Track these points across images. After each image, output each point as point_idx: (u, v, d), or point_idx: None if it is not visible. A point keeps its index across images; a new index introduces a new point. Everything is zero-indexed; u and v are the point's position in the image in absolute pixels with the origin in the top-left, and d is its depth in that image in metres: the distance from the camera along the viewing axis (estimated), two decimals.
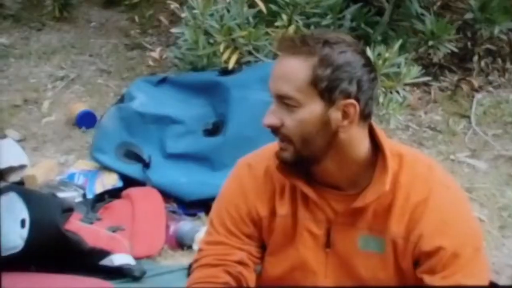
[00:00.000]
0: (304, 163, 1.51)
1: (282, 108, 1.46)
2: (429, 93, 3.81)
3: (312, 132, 1.46)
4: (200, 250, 1.67)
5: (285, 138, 1.48)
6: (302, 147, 1.47)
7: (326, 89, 1.44)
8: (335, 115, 1.46)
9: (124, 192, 2.93)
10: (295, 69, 1.45)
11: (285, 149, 1.50)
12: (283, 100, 1.46)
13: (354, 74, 1.45)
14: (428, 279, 1.48)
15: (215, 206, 1.68)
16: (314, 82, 1.44)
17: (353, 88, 1.45)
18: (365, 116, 1.48)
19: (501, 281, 2.45)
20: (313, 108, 1.45)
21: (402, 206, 1.50)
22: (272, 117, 1.48)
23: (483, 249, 1.56)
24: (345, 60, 1.44)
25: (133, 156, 3.07)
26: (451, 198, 1.53)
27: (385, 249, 1.52)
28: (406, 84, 3.35)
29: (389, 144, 1.53)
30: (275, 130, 1.49)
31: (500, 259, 2.66)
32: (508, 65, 4.00)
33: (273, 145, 1.60)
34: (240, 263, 1.61)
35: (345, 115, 1.46)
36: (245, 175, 1.63)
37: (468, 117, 3.64)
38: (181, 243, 2.69)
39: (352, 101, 1.45)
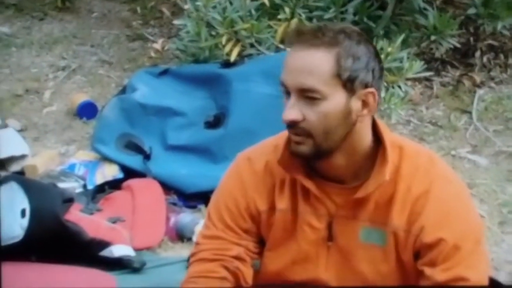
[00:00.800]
0: (320, 157, 1.49)
1: (303, 102, 1.44)
2: (431, 88, 3.79)
3: (333, 124, 1.45)
4: (197, 243, 1.67)
5: (304, 132, 1.45)
6: (323, 140, 1.46)
7: (348, 79, 1.44)
8: (356, 105, 1.46)
9: (125, 183, 2.93)
10: (318, 61, 1.43)
11: (303, 142, 1.47)
12: (306, 94, 1.43)
13: (369, 64, 1.46)
14: (428, 271, 1.48)
15: (213, 199, 1.67)
16: (338, 73, 1.43)
17: (369, 78, 1.46)
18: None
19: (500, 277, 2.44)
20: (337, 100, 1.44)
21: (403, 198, 1.50)
22: (293, 112, 1.44)
23: (483, 242, 1.56)
24: (363, 50, 1.45)
25: (134, 147, 3.07)
26: (453, 191, 1.53)
27: (386, 242, 1.52)
28: (408, 79, 3.35)
29: (390, 136, 1.53)
30: (293, 125, 1.46)
31: (500, 255, 2.65)
32: (510, 61, 3.98)
33: (274, 138, 1.60)
34: (237, 258, 1.60)
35: (365, 104, 1.46)
36: (245, 169, 1.62)
37: (470, 112, 3.63)
38: (181, 235, 2.69)
39: (372, 89, 1.46)
